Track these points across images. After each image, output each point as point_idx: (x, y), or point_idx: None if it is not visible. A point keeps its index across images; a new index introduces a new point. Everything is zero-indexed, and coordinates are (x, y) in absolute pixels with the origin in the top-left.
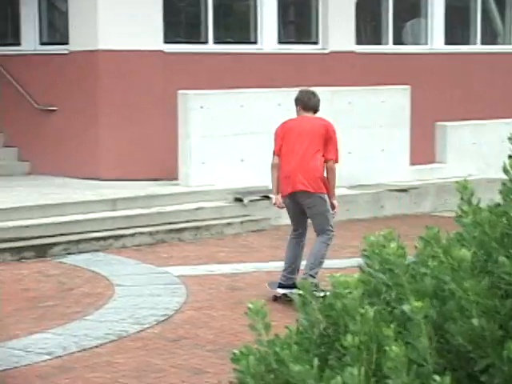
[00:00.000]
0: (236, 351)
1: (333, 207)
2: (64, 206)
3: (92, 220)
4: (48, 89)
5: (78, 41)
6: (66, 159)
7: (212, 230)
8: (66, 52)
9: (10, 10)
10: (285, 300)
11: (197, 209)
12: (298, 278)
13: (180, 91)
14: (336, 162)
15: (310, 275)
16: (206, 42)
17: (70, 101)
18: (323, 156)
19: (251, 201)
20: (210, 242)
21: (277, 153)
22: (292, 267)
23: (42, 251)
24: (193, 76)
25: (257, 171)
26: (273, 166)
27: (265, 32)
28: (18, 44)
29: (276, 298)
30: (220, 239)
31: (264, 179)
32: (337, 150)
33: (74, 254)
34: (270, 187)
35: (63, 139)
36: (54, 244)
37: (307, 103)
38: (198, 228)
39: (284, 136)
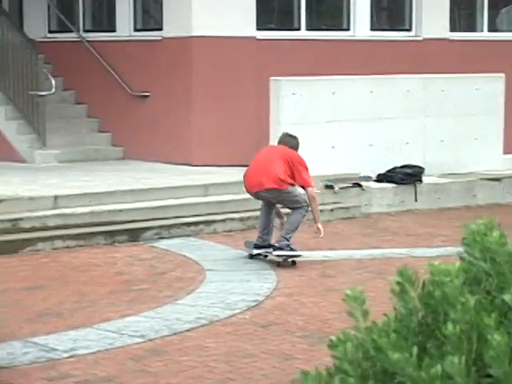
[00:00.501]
0: (333, 337)
1: (319, 231)
2: (156, 190)
3: (184, 205)
4: (142, 75)
5: (171, 27)
6: (158, 144)
7: None
8: (159, 38)
9: None
10: (260, 258)
11: None
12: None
13: (272, 78)
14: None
15: (285, 238)
16: (298, 29)
17: (164, 87)
18: (296, 182)
19: (342, 188)
20: (301, 229)
21: None
22: (267, 229)
23: (134, 235)
24: (285, 63)
25: (348, 158)
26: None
27: (358, 19)
28: (113, 30)
29: (251, 257)
30: (311, 226)
31: (355, 166)
32: (308, 176)
33: (165, 238)
34: (361, 174)
35: (156, 125)
36: (147, 228)
37: (286, 145)
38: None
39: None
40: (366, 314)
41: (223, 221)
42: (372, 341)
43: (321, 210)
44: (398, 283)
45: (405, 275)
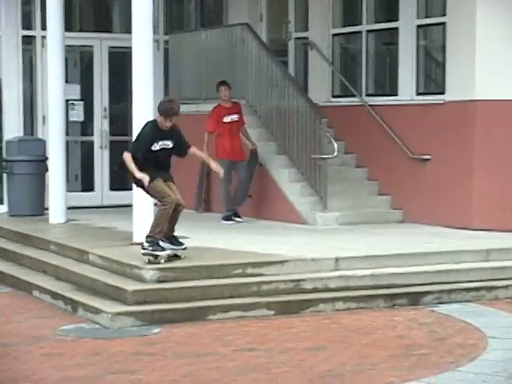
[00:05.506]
0: None
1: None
2: (437, 254)
3: (464, 270)
4: (423, 138)
5: (454, 91)
6: (438, 208)
7: None
8: (441, 102)
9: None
10: None
11: None
12: None
13: None
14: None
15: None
16: None
17: (445, 150)
18: None
19: None
20: None
21: None
22: None
23: (414, 299)
24: None
25: None
26: None
27: None
28: (395, 94)
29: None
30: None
31: None
32: None
33: (445, 303)
34: None
35: (436, 188)
36: (427, 292)
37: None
38: None
39: None
40: None
41: (505, 287)
42: None
43: None
44: None
45: None
